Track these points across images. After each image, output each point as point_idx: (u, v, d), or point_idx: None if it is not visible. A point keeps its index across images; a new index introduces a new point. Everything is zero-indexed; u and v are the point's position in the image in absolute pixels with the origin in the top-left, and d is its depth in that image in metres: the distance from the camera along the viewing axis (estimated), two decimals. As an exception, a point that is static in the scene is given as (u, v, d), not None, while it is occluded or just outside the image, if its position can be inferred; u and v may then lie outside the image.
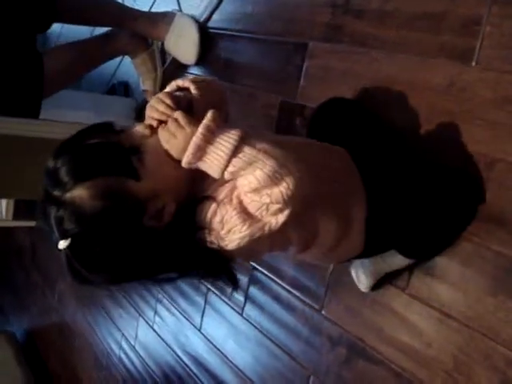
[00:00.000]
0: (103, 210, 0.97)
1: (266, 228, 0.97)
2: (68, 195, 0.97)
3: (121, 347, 2.94)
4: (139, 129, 1.04)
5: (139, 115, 2.77)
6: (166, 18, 2.37)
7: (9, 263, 4.55)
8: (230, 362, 2.09)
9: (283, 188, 0.92)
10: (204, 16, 2.31)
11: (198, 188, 1.05)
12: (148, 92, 2.58)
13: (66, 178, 0.97)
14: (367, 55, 1.59)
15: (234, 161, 0.92)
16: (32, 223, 3.74)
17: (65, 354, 3.64)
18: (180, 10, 2.46)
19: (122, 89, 2.91)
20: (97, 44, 2.59)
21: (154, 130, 1.03)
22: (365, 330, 1.56)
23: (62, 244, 0.98)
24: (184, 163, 0.96)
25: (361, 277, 1.49)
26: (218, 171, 0.94)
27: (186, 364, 2.38)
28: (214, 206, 1.00)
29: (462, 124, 1.33)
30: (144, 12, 2.56)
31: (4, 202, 3.56)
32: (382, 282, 1.48)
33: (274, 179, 0.92)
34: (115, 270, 1.02)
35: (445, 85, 1.38)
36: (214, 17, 2.28)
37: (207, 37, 2.28)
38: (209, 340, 2.22)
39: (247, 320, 2.00)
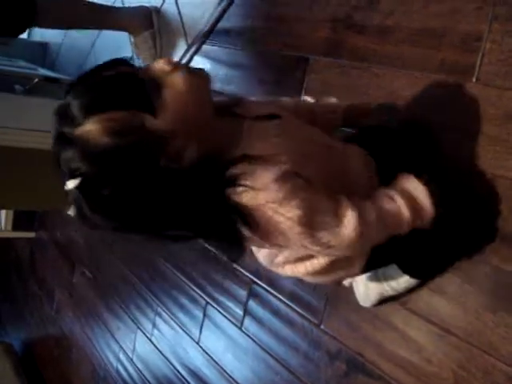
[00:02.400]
0: (116, 146, 0.88)
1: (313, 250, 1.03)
2: (78, 131, 0.89)
3: (118, 359, 2.92)
4: (159, 63, 0.97)
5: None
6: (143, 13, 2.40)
7: (7, 274, 4.54)
8: (228, 375, 2.08)
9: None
10: (205, 30, 2.31)
11: (229, 145, 0.99)
12: None
13: (76, 111, 0.89)
14: (368, 70, 1.60)
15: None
16: (31, 234, 3.75)
17: (62, 366, 3.62)
18: (178, 15, 2.47)
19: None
20: (102, 9, 2.57)
21: (174, 66, 0.97)
22: (364, 344, 1.56)
23: (70, 184, 0.89)
24: None
25: (364, 298, 1.48)
26: None
27: (183, 377, 2.37)
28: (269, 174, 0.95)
29: (463, 140, 1.34)
30: (120, 8, 2.58)
31: (3, 212, 3.56)
32: (384, 301, 1.47)
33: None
34: (126, 215, 0.93)
35: (446, 101, 1.38)
36: (215, 31, 2.28)
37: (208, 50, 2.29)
38: (207, 353, 2.21)
39: (246, 334, 2.00)
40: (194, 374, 2.30)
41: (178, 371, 2.40)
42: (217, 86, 2.27)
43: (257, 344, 1.94)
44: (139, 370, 2.72)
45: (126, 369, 2.85)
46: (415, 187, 1.09)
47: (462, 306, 1.33)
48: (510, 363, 1.23)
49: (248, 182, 0.95)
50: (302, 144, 1.09)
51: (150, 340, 2.62)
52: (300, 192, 0.97)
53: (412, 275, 1.35)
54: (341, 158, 1.18)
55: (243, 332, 2.01)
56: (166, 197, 0.92)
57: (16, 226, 3.73)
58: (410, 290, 1.40)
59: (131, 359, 2.79)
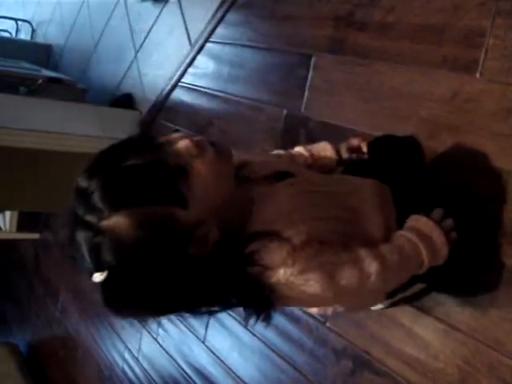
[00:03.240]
0: (145, 241, 0.86)
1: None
2: (105, 223, 0.85)
3: (124, 359, 2.93)
4: (185, 145, 0.93)
5: (143, 127, 2.78)
6: None
7: (12, 275, 4.54)
8: (234, 374, 2.08)
9: None
10: (209, 29, 2.32)
11: (243, 217, 0.99)
12: None
13: (103, 203, 0.85)
14: (370, 67, 1.60)
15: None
16: (36, 235, 3.76)
17: (68, 366, 3.62)
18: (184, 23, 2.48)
19: (126, 101, 2.92)
20: None
21: (201, 149, 0.94)
22: (370, 342, 1.55)
23: (99, 277, 0.87)
24: None
25: None
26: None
27: (189, 376, 2.37)
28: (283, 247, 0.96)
29: (466, 136, 1.34)
30: None
31: (8, 214, 3.57)
32: (393, 305, 1.47)
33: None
34: (155, 304, 0.91)
35: (448, 96, 1.38)
36: (218, 30, 2.29)
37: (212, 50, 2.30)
38: (213, 352, 2.21)
39: (251, 332, 2.00)
40: (199, 372, 2.30)
41: (184, 370, 2.40)
42: (220, 85, 2.27)
43: (262, 342, 1.94)
44: (145, 369, 2.72)
45: (131, 368, 2.85)
46: (429, 228, 1.11)
47: (468, 302, 1.33)
48: (516, 358, 1.23)
49: (265, 261, 0.95)
50: (315, 201, 1.08)
51: (156, 339, 2.62)
52: (316, 259, 0.98)
53: (421, 281, 1.34)
54: (353, 202, 1.15)
55: (249, 330, 2.01)
56: (195, 281, 0.91)
57: (20, 227, 3.73)
58: (419, 294, 1.40)
59: (137, 359, 2.80)
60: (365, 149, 1.34)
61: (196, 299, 0.94)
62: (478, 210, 1.30)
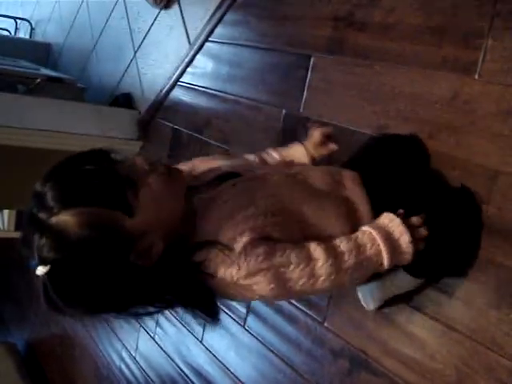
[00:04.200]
0: (88, 240, 0.91)
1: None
2: (54, 219, 0.90)
3: (121, 358, 2.93)
4: (139, 161, 1.00)
5: (142, 126, 2.78)
6: None
7: (10, 274, 4.54)
8: (232, 373, 2.08)
9: None
10: (208, 28, 2.32)
11: (186, 229, 1.03)
12: None
13: (54, 200, 0.91)
14: (370, 68, 1.60)
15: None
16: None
17: (65, 365, 3.62)
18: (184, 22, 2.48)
19: (125, 100, 2.92)
20: None
21: (153, 166, 1.01)
22: (367, 342, 1.56)
23: (41, 270, 0.91)
24: None
25: (368, 300, 1.48)
26: None
27: (186, 375, 2.37)
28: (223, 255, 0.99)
29: (466, 136, 1.34)
30: None
31: (6, 212, 3.56)
32: (388, 304, 1.47)
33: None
34: (92, 303, 0.95)
35: (448, 97, 1.38)
36: (218, 29, 2.29)
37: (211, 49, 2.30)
38: (210, 351, 2.21)
39: (249, 331, 2.00)
40: (197, 372, 2.30)
41: (181, 369, 2.40)
42: (219, 84, 2.27)
43: (260, 342, 1.94)
44: (142, 368, 2.72)
45: (129, 367, 2.85)
46: (399, 231, 1.10)
47: (466, 303, 1.33)
48: (514, 359, 1.23)
49: (211, 270, 0.99)
50: (258, 197, 1.09)
51: (153, 338, 2.62)
52: (265, 261, 1.00)
53: (415, 275, 1.34)
54: (311, 199, 1.16)
55: (246, 330, 2.01)
56: (133, 285, 0.95)
57: (18, 226, 3.73)
58: (415, 290, 1.40)
59: (134, 358, 2.80)
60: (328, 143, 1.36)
61: (132, 302, 0.98)
62: (474, 210, 1.31)
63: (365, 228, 1.11)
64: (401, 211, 1.13)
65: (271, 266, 1.01)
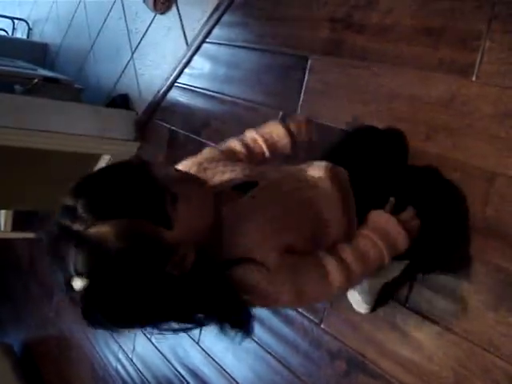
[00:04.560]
0: (128, 252, 0.88)
1: None
2: (92, 230, 0.87)
3: (118, 359, 2.92)
4: (175, 172, 1.01)
5: (139, 127, 2.77)
6: None
7: (7, 275, 4.53)
8: (229, 375, 2.08)
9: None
10: (205, 30, 2.32)
11: (213, 239, 1.02)
12: None
13: (90, 211, 0.87)
14: (368, 69, 1.60)
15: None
16: (31, 235, 3.74)
17: (62, 366, 3.62)
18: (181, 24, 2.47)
19: (123, 101, 2.91)
20: None
21: (189, 178, 1.03)
22: (365, 343, 1.56)
23: (79, 284, 0.88)
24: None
25: (358, 299, 1.48)
26: None
27: (183, 377, 2.37)
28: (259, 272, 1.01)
29: (463, 138, 1.34)
30: None
31: (3, 213, 3.56)
32: (380, 302, 1.47)
33: None
34: (131, 316, 0.93)
35: (445, 99, 1.38)
36: (215, 31, 2.29)
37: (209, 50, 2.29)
38: (207, 353, 2.21)
39: (246, 333, 1.99)
40: (193, 373, 2.30)
41: (178, 371, 2.40)
42: (217, 85, 2.27)
43: (257, 343, 1.94)
44: (139, 369, 2.72)
45: (125, 368, 2.85)
46: (386, 220, 1.14)
47: (463, 304, 1.33)
48: (510, 361, 1.23)
49: (245, 283, 1.00)
50: (278, 211, 1.10)
51: (150, 340, 2.62)
52: (290, 276, 1.04)
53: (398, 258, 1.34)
54: (312, 200, 1.17)
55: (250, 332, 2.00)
56: (171, 296, 0.93)
57: (16, 227, 3.72)
58: (403, 275, 1.40)
59: (131, 359, 2.79)
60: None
61: (169, 315, 0.96)
62: (468, 211, 1.31)
63: (364, 232, 1.14)
64: (391, 200, 1.17)
65: (295, 279, 1.04)
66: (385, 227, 1.13)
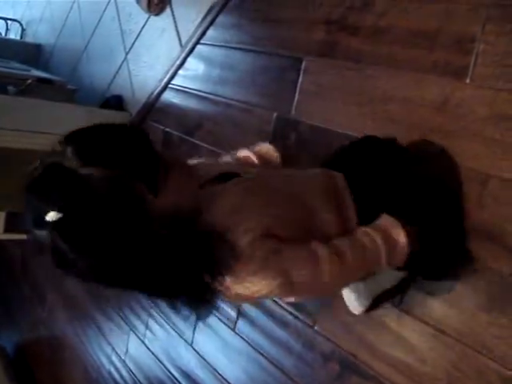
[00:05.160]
0: (110, 199, 0.88)
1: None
2: (84, 170, 0.88)
3: (111, 361, 2.91)
4: (167, 153, 1.02)
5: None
6: None
7: (-1, 276, 4.52)
8: (222, 377, 2.07)
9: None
10: (199, 31, 2.32)
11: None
12: None
13: (87, 154, 0.89)
14: (362, 71, 1.60)
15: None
16: (23, 236, 3.73)
17: (54, 368, 3.61)
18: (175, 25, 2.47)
19: (116, 102, 2.91)
20: None
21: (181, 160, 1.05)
22: (358, 345, 1.56)
23: (53, 215, 0.86)
24: None
25: (353, 302, 1.48)
26: None
27: (176, 379, 2.36)
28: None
29: (457, 140, 1.34)
30: None
31: (-5, 214, 3.54)
32: (374, 305, 1.47)
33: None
34: (99, 260, 0.91)
35: (440, 101, 1.38)
36: (209, 32, 2.29)
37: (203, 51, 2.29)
38: (200, 355, 2.20)
39: (239, 335, 1.99)
40: (186, 375, 2.30)
41: (171, 373, 2.40)
42: (210, 87, 2.27)
43: (250, 345, 1.94)
44: (132, 371, 2.71)
45: (118, 370, 2.84)
46: (390, 223, 1.14)
47: (456, 306, 1.33)
48: (503, 363, 1.23)
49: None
50: (260, 198, 1.11)
51: (143, 342, 2.61)
52: (271, 259, 1.02)
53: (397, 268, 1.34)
54: (302, 196, 1.18)
55: (236, 333, 2.00)
56: (139, 249, 0.93)
57: (8, 228, 3.71)
58: (398, 285, 1.40)
59: (124, 361, 2.78)
60: None
61: (136, 270, 0.95)
62: (462, 213, 1.31)
63: (364, 228, 1.14)
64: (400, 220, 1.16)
65: (278, 263, 1.02)
66: (387, 227, 1.13)
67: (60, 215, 0.86)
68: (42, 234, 0.90)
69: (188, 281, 0.99)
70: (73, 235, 0.88)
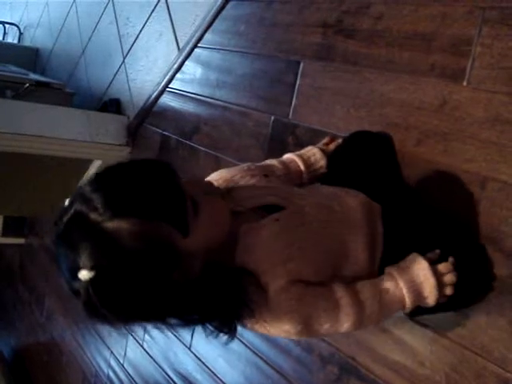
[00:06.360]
0: (140, 252, 0.87)
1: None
2: (109, 224, 0.86)
3: (109, 365, 2.91)
4: (199, 181, 1.01)
5: (130, 132, 2.77)
6: None
7: (-4, 280, 4.51)
8: (220, 380, 2.07)
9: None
10: (197, 34, 2.32)
11: (226, 251, 1.02)
12: None
13: (111, 205, 0.86)
14: (359, 74, 1.60)
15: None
16: (21, 240, 3.73)
17: (52, 372, 3.60)
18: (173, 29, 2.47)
19: (114, 106, 2.91)
20: None
21: (213, 189, 1.02)
22: (357, 348, 1.55)
23: (86, 274, 0.86)
24: None
25: None
26: None
27: (174, 382, 2.36)
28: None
29: (454, 143, 1.34)
30: None
31: (-7, 218, 3.54)
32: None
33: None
34: (132, 312, 0.93)
35: (437, 104, 1.39)
36: (207, 35, 2.29)
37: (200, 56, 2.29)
38: (199, 358, 2.20)
39: (238, 338, 1.99)
40: (185, 379, 2.29)
41: (170, 377, 2.39)
42: (208, 91, 2.27)
43: (248, 348, 1.93)
44: (130, 375, 2.71)
45: (116, 375, 2.83)
46: (421, 267, 1.11)
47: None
48: (502, 365, 1.23)
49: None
50: (299, 239, 1.08)
51: (142, 345, 2.61)
52: (295, 305, 1.02)
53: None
54: (342, 235, 1.15)
55: (235, 336, 2.00)
56: (172, 299, 0.93)
57: (5, 233, 3.71)
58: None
59: (122, 365, 2.78)
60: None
61: (167, 314, 0.96)
62: (462, 219, 1.31)
63: (391, 271, 1.12)
64: (437, 252, 1.15)
65: (302, 312, 1.02)
66: (415, 272, 1.10)
67: (92, 274, 0.86)
68: (76, 285, 0.90)
69: (218, 313, 0.99)
70: (107, 294, 0.88)
